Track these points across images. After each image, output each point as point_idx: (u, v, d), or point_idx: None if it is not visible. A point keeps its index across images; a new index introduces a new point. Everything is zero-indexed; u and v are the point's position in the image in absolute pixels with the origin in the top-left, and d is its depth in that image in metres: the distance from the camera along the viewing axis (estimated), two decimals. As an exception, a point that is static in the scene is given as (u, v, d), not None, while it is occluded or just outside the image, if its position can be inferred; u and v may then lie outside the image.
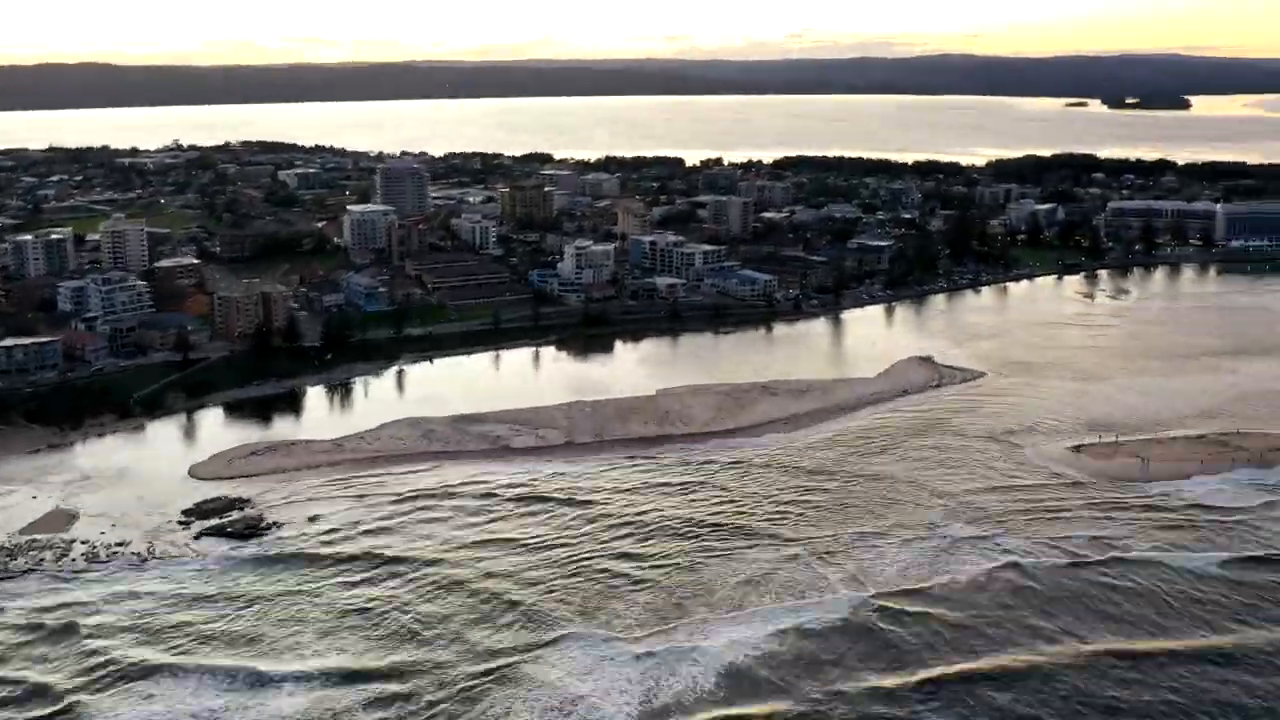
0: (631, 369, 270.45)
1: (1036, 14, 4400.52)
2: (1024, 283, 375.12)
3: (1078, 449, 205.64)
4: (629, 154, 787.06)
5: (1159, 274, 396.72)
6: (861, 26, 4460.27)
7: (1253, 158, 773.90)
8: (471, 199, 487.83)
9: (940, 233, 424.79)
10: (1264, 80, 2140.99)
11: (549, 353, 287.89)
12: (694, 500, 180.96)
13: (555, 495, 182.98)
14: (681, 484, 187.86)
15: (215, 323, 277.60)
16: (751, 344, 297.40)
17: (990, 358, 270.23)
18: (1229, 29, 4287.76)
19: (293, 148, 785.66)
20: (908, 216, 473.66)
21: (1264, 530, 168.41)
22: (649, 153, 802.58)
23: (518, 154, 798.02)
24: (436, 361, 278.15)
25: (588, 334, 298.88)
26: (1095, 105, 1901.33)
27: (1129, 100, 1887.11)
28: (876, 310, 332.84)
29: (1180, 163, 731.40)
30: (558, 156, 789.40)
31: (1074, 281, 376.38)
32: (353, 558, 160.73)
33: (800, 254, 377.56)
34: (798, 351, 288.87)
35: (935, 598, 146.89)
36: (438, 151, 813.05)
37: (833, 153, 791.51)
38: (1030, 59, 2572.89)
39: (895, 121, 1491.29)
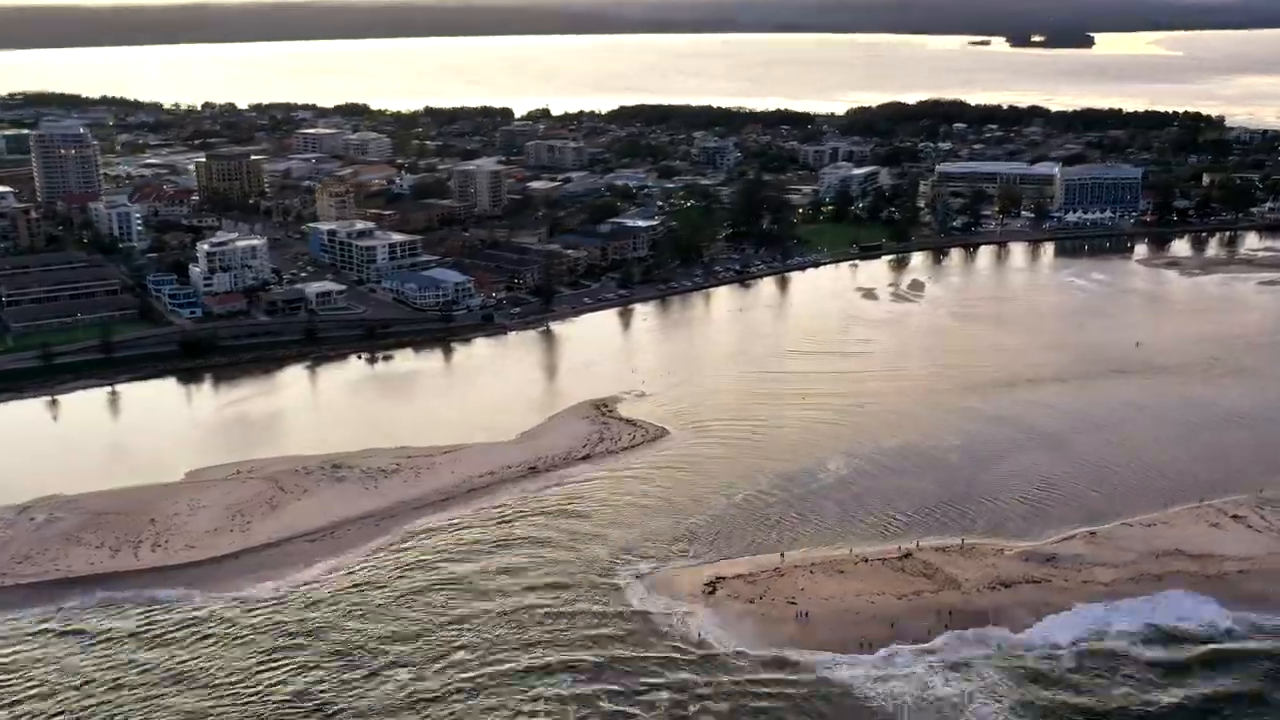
0: (197, 429, 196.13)
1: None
2: (809, 271, 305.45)
3: (713, 586, 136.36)
4: (453, 104, 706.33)
5: (983, 256, 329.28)
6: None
7: (1136, 102, 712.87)
8: (190, 168, 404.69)
9: (725, 207, 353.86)
10: (1168, 17, 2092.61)
11: (131, 395, 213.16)
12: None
13: None
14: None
15: None
16: (402, 378, 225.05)
17: (688, 404, 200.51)
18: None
19: (60, 100, 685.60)
20: (706, 183, 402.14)
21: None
22: (478, 101, 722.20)
23: (330, 105, 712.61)
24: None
25: (184, 368, 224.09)
26: (999, 43, 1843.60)
27: (1034, 38, 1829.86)
28: (598, 319, 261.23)
29: (1054, 109, 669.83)
30: (375, 107, 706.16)
31: (872, 270, 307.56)
32: None
33: (533, 243, 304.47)
34: (452, 390, 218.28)
35: None
36: (218, 101, 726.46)
37: (680, 100, 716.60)
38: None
39: (783, 62, 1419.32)
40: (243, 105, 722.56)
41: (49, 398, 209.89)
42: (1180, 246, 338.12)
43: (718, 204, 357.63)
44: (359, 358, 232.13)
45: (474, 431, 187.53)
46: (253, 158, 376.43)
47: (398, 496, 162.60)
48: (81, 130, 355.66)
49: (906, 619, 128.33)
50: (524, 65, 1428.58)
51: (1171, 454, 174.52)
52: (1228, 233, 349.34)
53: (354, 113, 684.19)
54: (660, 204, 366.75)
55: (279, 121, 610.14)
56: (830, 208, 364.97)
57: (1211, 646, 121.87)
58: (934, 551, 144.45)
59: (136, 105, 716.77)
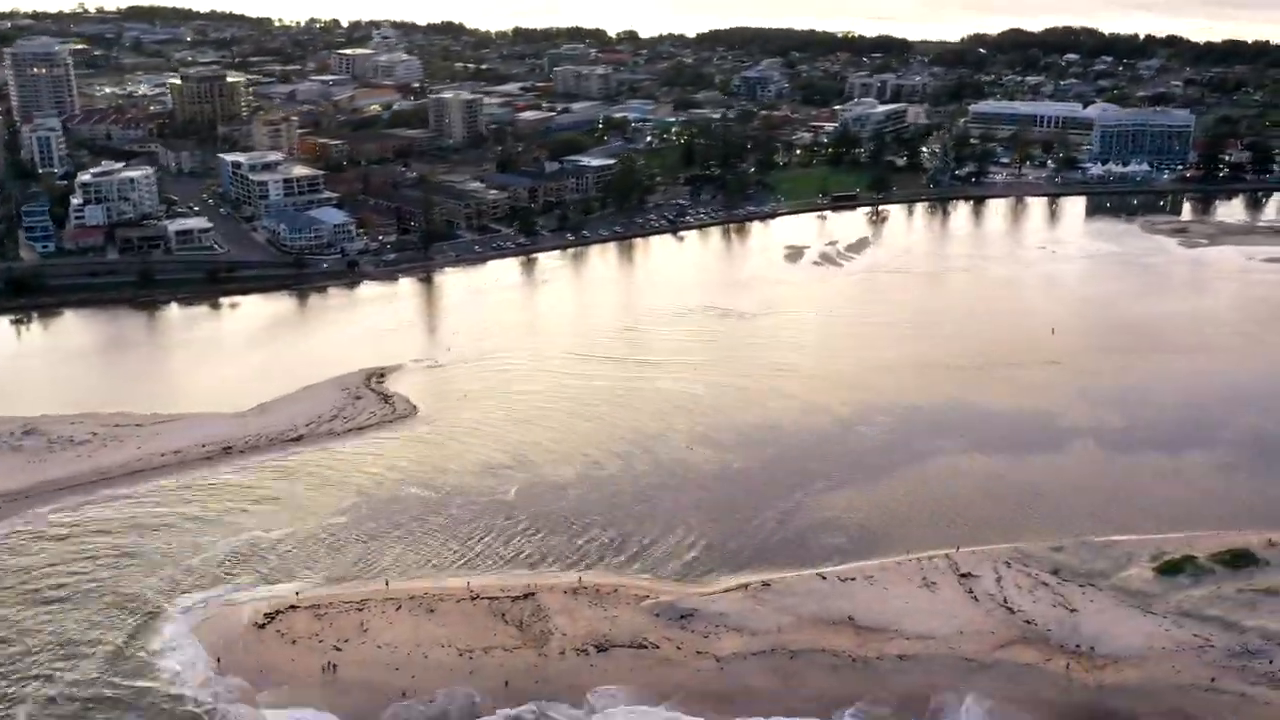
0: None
1: None
2: (760, 223, 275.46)
3: (271, 618, 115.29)
4: (544, 24, 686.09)
5: (973, 212, 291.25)
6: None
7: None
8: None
9: (702, 144, 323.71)
10: None
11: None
12: None
13: None
14: None
15: None
16: (207, 331, 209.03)
17: (472, 380, 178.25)
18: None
19: (157, 13, 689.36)
20: (716, 117, 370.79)
21: None
22: (571, 23, 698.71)
23: (423, 23, 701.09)
24: None
25: (4, 308, 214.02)
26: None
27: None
28: (479, 271, 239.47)
29: (1195, 39, 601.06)
30: (470, 26, 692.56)
31: (836, 223, 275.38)
32: None
33: (464, 180, 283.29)
34: (238, 347, 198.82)
35: None
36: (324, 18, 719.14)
37: (782, 24, 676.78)
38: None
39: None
40: (345, 23, 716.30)
41: None
42: (1225, 210, 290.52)
43: (706, 141, 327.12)
44: (185, 305, 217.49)
45: (215, 398, 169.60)
46: (230, 79, 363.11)
47: (47, 475, 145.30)
48: (56, 48, 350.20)
49: (448, 684, 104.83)
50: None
51: (992, 485, 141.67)
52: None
53: (444, 31, 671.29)
54: (649, 139, 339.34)
55: (354, 40, 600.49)
56: (830, 149, 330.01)
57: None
58: (563, 593, 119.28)
59: (239, 20, 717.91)
